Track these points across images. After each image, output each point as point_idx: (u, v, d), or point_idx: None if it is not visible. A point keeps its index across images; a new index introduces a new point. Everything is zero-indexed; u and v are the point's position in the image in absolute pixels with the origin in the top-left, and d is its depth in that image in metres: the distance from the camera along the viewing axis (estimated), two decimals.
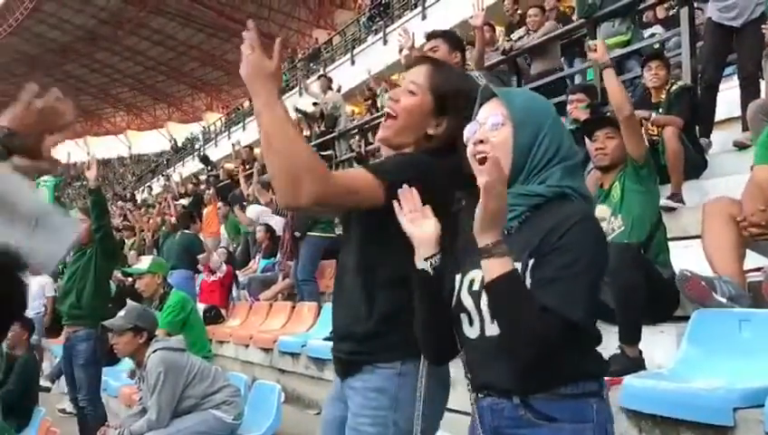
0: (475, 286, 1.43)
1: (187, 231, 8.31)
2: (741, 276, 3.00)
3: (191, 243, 8.19)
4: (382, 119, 1.85)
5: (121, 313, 4.08)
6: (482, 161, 1.44)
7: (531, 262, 1.36)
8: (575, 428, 1.36)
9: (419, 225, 1.49)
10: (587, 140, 3.55)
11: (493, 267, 1.33)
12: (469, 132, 1.49)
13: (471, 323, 1.45)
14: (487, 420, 1.44)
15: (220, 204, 11.49)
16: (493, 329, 1.39)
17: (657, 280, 3.08)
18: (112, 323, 4.04)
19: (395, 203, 1.50)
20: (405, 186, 1.50)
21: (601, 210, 3.41)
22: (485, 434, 1.44)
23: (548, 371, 1.34)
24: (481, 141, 1.46)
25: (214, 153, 24.97)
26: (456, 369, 1.62)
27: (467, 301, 1.45)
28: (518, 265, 1.36)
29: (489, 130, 1.46)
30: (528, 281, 1.36)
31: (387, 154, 1.88)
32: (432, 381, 1.71)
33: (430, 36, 4.25)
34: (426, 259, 1.47)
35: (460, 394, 1.67)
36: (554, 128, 1.46)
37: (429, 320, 1.52)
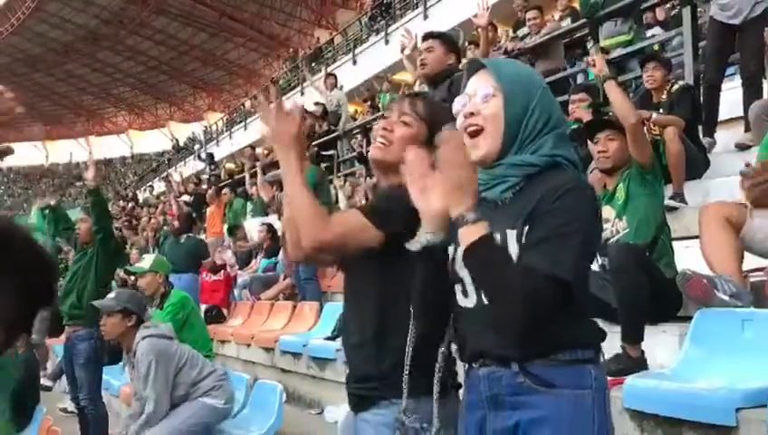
0: None
1: (191, 235, 8.31)
2: (740, 276, 3.01)
3: (197, 248, 8.21)
4: (374, 144, 1.91)
5: (111, 294, 4.08)
6: (472, 134, 1.44)
7: (525, 228, 1.36)
8: (575, 393, 1.36)
9: (427, 196, 1.44)
10: (589, 142, 3.56)
11: (467, 235, 1.34)
12: (459, 105, 1.48)
13: (465, 293, 1.45)
14: (484, 388, 1.42)
15: (226, 190, 11.57)
16: None
17: (660, 280, 3.08)
18: (102, 304, 4.04)
19: (403, 168, 1.46)
20: (413, 148, 1.46)
21: (606, 211, 3.41)
22: (483, 403, 1.43)
23: (545, 336, 1.34)
24: (472, 114, 1.44)
25: (215, 153, 24.95)
26: None
27: (462, 271, 1.44)
28: (513, 233, 1.36)
29: (479, 102, 1.45)
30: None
31: (381, 181, 1.93)
32: (444, 416, 1.66)
33: (426, 37, 4.27)
34: (426, 236, 1.45)
35: None
36: (544, 97, 1.45)
37: (425, 292, 1.51)
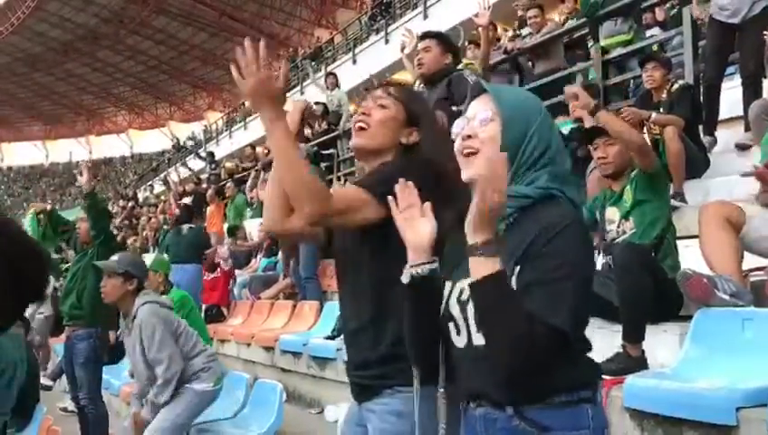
0: (464, 296, 1.39)
1: (192, 226, 8.25)
2: (740, 275, 3.01)
3: (199, 237, 8.12)
4: (354, 129, 1.87)
5: (114, 257, 4.06)
6: (468, 155, 1.43)
7: (517, 269, 1.34)
8: None
9: (414, 226, 1.44)
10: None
11: (480, 267, 1.30)
12: (457, 128, 1.48)
13: (458, 332, 1.42)
14: (480, 429, 1.41)
15: (230, 183, 11.59)
16: (480, 338, 1.36)
17: (663, 281, 3.08)
18: (105, 264, 4.02)
19: (389, 199, 1.47)
20: (401, 180, 1.47)
21: (611, 212, 3.41)
22: None
23: (538, 381, 1.31)
24: (469, 136, 1.44)
25: (215, 152, 24.95)
26: None
27: (455, 310, 1.42)
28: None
29: (478, 125, 1.44)
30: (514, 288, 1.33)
31: (367, 166, 1.90)
32: (450, 406, 1.64)
33: (424, 36, 4.28)
34: (412, 266, 1.43)
35: None
36: (543, 126, 1.44)
37: (415, 328, 1.49)
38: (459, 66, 4.55)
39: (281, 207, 1.78)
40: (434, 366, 1.52)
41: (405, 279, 1.44)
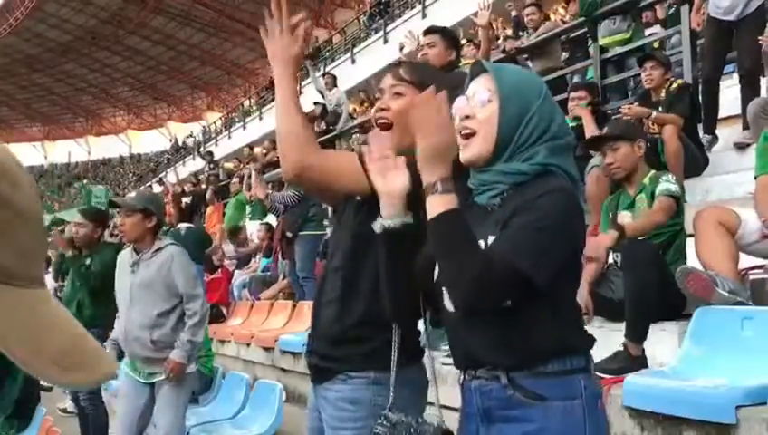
0: None
1: (191, 226, 8.26)
2: (737, 277, 3.02)
3: (201, 237, 8.12)
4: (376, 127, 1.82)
5: (132, 194, 3.94)
6: (467, 136, 1.43)
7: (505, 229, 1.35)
8: (565, 405, 1.35)
9: (387, 176, 1.45)
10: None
11: (436, 204, 1.32)
12: (457, 106, 1.48)
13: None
14: (477, 402, 1.42)
15: (235, 179, 11.63)
16: None
17: (669, 281, 3.07)
18: (124, 202, 3.85)
19: (364, 147, 1.47)
20: (372, 132, 1.49)
21: (623, 216, 3.41)
22: (476, 416, 1.43)
23: (523, 341, 1.34)
24: (467, 117, 1.44)
25: (214, 152, 24.97)
26: (450, 367, 1.60)
27: None
28: (494, 238, 1.35)
29: (476, 105, 1.44)
30: None
31: None
32: (407, 390, 1.65)
33: (428, 31, 4.25)
34: (384, 219, 1.45)
35: (451, 388, 1.65)
36: (543, 107, 1.43)
37: (389, 276, 1.51)
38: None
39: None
40: (409, 313, 1.56)
41: (377, 229, 1.46)
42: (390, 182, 1.44)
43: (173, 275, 3.51)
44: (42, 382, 6.55)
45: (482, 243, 1.36)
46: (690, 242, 3.32)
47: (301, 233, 6.68)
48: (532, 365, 1.35)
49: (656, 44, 6.39)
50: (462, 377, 1.47)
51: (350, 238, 1.75)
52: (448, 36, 4.21)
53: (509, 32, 8.53)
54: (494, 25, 8.22)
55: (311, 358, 1.82)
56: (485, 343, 1.38)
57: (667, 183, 3.28)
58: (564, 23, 8.07)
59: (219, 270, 8.30)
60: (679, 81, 4.89)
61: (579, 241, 1.43)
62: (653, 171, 3.45)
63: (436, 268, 1.42)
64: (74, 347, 0.54)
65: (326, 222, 6.77)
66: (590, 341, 1.45)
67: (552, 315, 1.34)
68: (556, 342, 1.36)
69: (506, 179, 1.40)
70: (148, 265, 3.57)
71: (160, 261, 3.54)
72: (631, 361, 2.93)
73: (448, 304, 1.43)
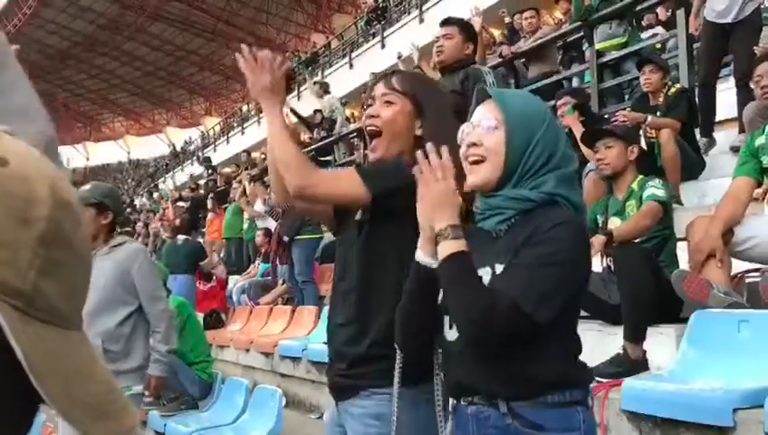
0: None
1: (189, 238, 8.37)
2: (730, 284, 3.04)
3: (195, 250, 8.31)
4: (370, 140, 1.85)
5: (87, 186, 3.35)
6: (475, 163, 1.44)
7: (509, 259, 1.36)
8: None
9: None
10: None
11: (447, 248, 1.35)
12: (463, 134, 1.49)
13: (451, 325, 1.43)
14: (472, 428, 1.40)
15: (235, 185, 11.69)
16: None
17: (664, 284, 3.08)
18: (77, 193, 3.67)
19: (415, 169, 1.42)
20: (430, 147, 1.43)
21: (613, 222, 3.42)
22: None
23: (525, 373, 1.34)
24: (474, 144, 1.45)
25: (212, 157, 24.98)
26: None
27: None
28: (501, 267, 1.36)
29: (482, 132, 1.45)
30: None
31: None
32: (431, 406, 1.63)
33: (445, 23, 4.15)
34: (420, 257, 1.44)
35: None
36: (548, 133, 1.44)
37: (411, 310, 1.50)
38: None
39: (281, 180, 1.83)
40: (417, 351, 1.56)
41: (417, 258, 1.46)
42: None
43: (132, 275, 3.12)
44: None
45: (488, 270, 1.37)
46: (682, 245, 3.34)
47: (298, 237, 6.69)
48: (533, 396, 1.35)
49: (658, 45, 6.41)
50: (455, 402, 1.46)
51: (357, 260, 1.76)
52: (466, 29, 4.12)
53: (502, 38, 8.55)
54: (490, 32, 8.22)
55: (331, 376, 1.85)
56: (485, 373, 1.38)
57: (654, 188, 3.29)
58: (559, 23, 8.08)
59: (213, 279, 8.41)
60: (677, 85, 4.91)
61: (586, 274, 1.45)
62: (641, 176, 3.46)
63: (440, 293, 1.43)
64: (107, 397, 0.52)
65: (323, 226, 6.77)
66: (590, 374, 1.47)
67: (555, 348, 1.35)
68: (557, 374, 1.36)
69: (514, 205, 1.40)
70: (101, 265, 3.02)
71: (119, 258, 3.12)
72: (631, 364, 2.94)
73: (448, 332, 1.44)
